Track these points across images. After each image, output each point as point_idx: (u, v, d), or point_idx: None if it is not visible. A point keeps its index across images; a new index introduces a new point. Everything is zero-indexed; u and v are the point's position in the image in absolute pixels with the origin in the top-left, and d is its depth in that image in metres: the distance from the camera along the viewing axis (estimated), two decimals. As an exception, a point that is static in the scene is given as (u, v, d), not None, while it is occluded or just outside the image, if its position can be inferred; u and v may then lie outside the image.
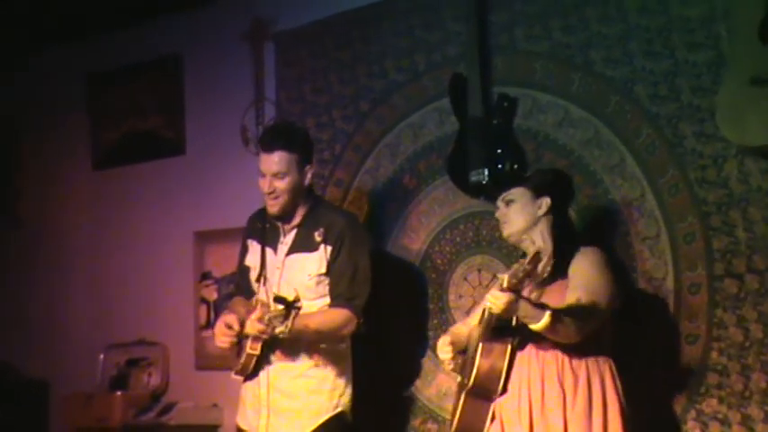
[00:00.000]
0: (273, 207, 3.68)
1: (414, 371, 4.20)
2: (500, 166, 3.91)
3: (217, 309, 4.87)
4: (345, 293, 3.64)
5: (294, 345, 3.63)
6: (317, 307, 3.66)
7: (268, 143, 3.67)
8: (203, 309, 4.99)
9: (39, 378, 5.49)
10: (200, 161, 5.06)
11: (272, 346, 3.63)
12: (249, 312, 3.59)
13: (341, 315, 3.63)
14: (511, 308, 2.95)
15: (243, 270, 3.86)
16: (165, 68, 5.19)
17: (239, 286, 3.91)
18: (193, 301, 5.02)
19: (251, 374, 3.70)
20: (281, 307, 3.36)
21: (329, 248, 3.66)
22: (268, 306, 3.54)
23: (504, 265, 3.94)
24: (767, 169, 3.39)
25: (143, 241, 5.26)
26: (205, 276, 5.00)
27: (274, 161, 3.62)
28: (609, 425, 3.06)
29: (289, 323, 3.32)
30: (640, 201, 3.66)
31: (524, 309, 2.97)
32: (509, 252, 3.96)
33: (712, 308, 3.47)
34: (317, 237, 3.67)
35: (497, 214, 3.36)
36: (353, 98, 4.48)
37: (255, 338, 3.58)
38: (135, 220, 5.32)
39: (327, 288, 3.66)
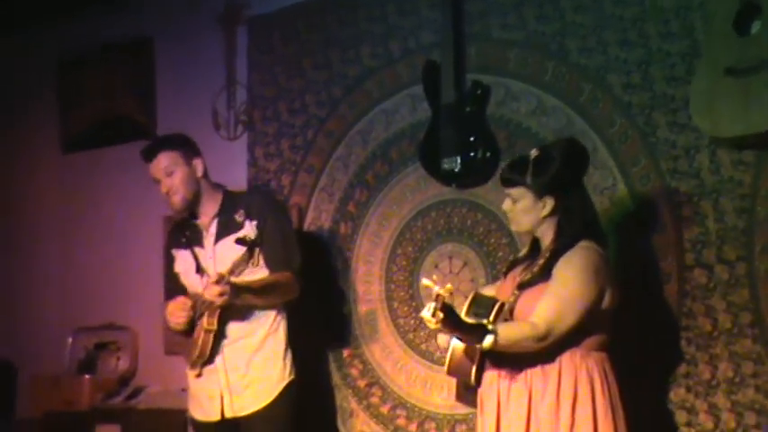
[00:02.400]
0: (175, 204, 3.83)
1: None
2: (472, 153, 3.91)
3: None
4: (281, 258, 3.79)
5: (246, 315, 3.77)
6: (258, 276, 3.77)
7: (147, 152, 3.87)
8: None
9: (5, 360, 5.43)
10: (171, 145, 5.01)
11: (227, 318, 3.75)
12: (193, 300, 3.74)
13: (284, 276, 3.78)
14: (445, 330, 2.92)
15: (172, 277, 3.98)
16: (136, 51, 5.13)
17: (171, 293, 3.96)
18: (162, 285, 4.97)
19: (207, 360, 3.78)
20: (240, 254, 3.57)
21: (254, 222, 3.78)
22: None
23: (474, 253, 3.94)
24: (739, 160, 3.39)
25: (113, 225, 5.22)
26: (174, 261, 4.97)
27: (159, 163, 3.82)
28: (576, 424, 2.98)
29: (255, 260, 3.53)
30: (612, 190, 3.66)
31: (461, 331, 2.93)
32: (480, 240, 3.96)
33: (682, 297, 3.49)
34: (239, 217, 3.80)
35: (504, 207, 3.22)
36: (327, 84, 4.45)
37: (210, 313, 3.70)
38: (104, 204, 5.28)
39: (262, 259, 3.76)
